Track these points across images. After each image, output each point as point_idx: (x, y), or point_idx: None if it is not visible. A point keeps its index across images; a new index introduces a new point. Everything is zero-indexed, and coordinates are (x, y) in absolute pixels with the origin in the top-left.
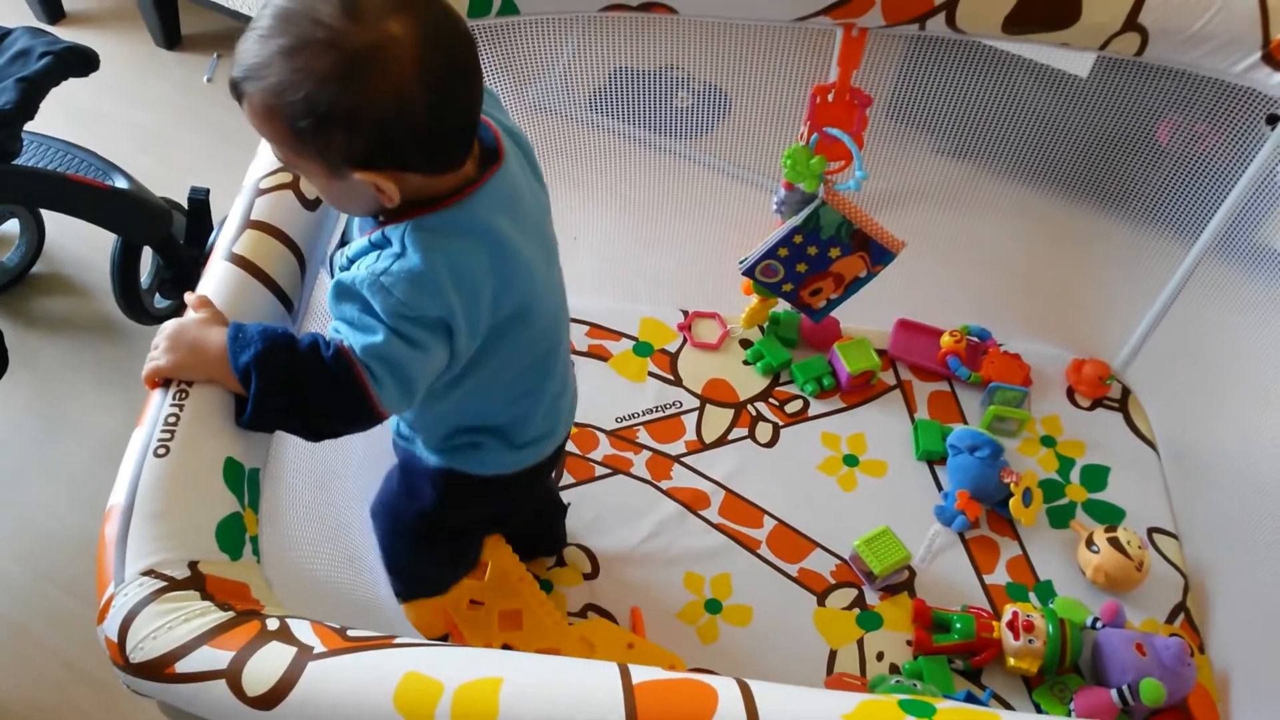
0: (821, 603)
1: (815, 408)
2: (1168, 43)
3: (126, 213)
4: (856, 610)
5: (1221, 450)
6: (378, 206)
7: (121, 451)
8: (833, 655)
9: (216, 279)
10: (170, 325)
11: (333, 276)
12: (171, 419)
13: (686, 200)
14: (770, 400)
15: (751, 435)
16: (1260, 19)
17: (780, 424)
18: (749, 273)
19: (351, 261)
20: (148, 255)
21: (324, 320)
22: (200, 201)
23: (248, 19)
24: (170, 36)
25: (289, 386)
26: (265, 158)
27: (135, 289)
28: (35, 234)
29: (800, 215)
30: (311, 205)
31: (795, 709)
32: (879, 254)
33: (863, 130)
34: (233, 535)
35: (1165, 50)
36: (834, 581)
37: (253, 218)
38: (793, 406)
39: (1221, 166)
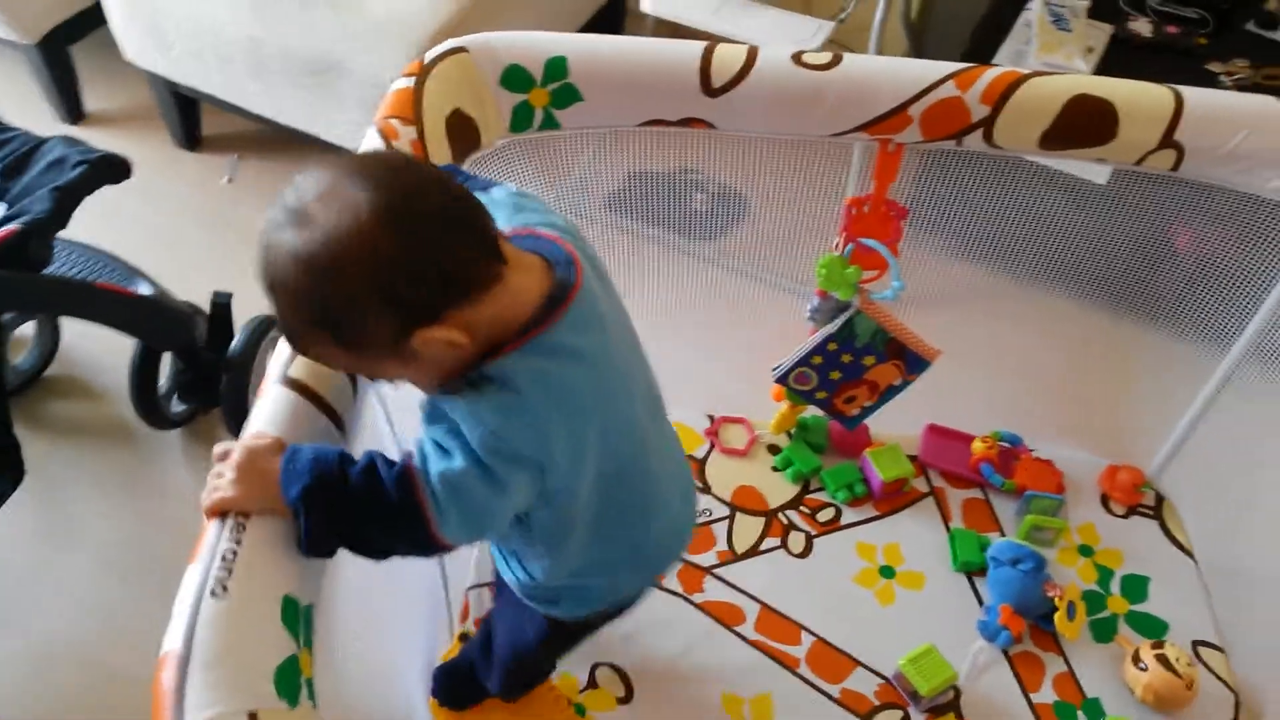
0: None
1: (847, 516)
2: (1203, 159)
3: (151, 319)
4: None
5: (1263, 560)
6: (461, 362)
7: (128, 561)
8: None
9: (272, 405)
10: (239, 453)
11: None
12: (229, 555)
13: (710, 305)
14: (802, 509)
15: (784, 545)
16: None
17: (814, 533)
18: (783, 380)
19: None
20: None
21: (372, 439)
22: (223, 306)
23: (266, 121)
24: (190, 137)
25: (342, 518)
26: None
27: (154, 394)
28: (50, 337)
29: (835, 324)
30: None
31: None
32: (914, 363)
33: (898, 241)
34: (290, 681)
35: (1200, 167)
36: (878, 703)
37: None
38: (825, 515)
39: (1250, 273)
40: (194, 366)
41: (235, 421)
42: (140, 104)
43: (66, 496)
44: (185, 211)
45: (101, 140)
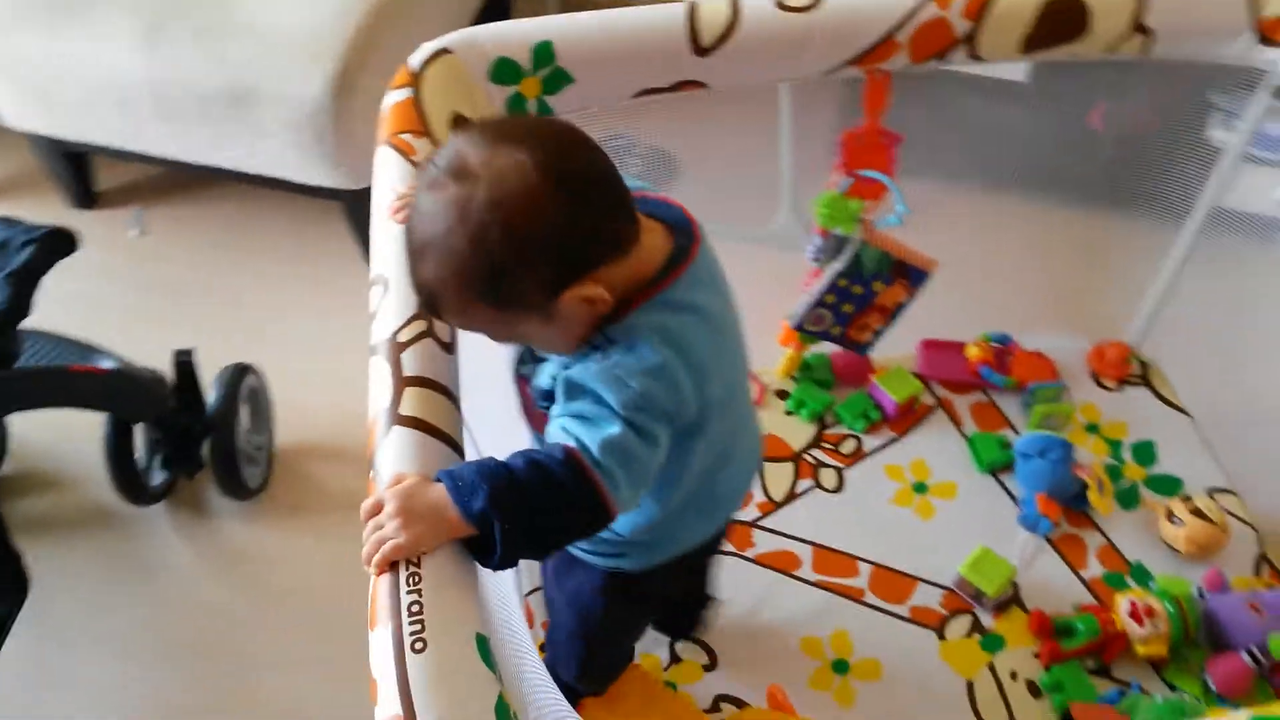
0: (941, 636)
1: (868, 443)
2: (1170, 39)
3: (126, 393)
4: (977, 636)
5: (1252, 401)
6: (595, 319)
7: (143, 648)
8: (970, 686)
9: (396, 446)
10: (394, 500)
11: (523, 384)
12: (415, 608)
13: None
14: (824, 445)
15: (818, 484)
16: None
17: (842, 467)
18: (799, 326)
19: (567, 367)
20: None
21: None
22: (187, 365)
23: (171, 164)
24: (85, 196)
25: (527, 518)
26: (389, 311)
27: (134, 470)
28: None
29: (842, 259)
30: (450, 348)
31: None
32: (917, 276)
33: (893, 167)
34: (505, 714)
35: (1168, 46)
36: (946, 612)
37: (406, 374)
38: (847, 446)
39: (1183, 144)
40: (170, 433)
41: (228, 482)
42: (23, 169)
43: (58, 596)
44: (98, 274)
45: None
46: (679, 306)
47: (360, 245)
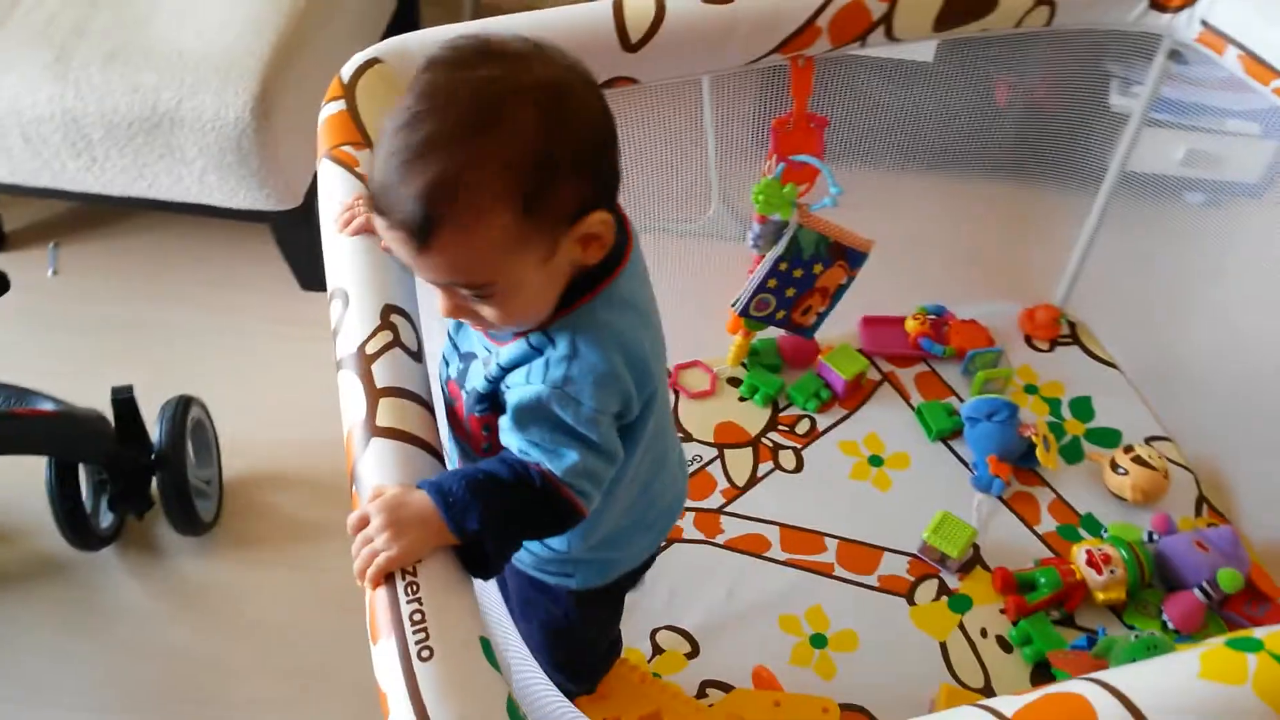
0: (911, 602)
1: (821, 421)
2: (1071, 9)
3: (72, 434)
4: (945, 598)
5: (1173, 351)
6: (566, 283)
7: (112, 697)
8: (943, 647)
9: (377, 458)
10: (380, 512)
11: (452, 388)
12: (417, 616)
13: None
14: (780, 428)
15: (778, 465)
16: None
17: (799, 447)
18: (744, 312)
19: (504, 370)
20: None
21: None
22: (128, 402)
23: (83, 197)
24: None
25: (515, 532)
26: (352, 323)
27: (82, 513)
28: None
29: (781, 244)
30: (418, 357)
31: (1150, 683)
32: (855, 258)
33: (822, 151)
34: (517, 715)
35: (1069, 16)
36: (913, 578)
37: (379, 385)
38: (802, 427)
39: (1085, 112)
40: (117, 472)
41: (181, 518)
42: None
43: (18, 653)
44: (15, 319)
45: None
46: (623, 304)
47: (291, 266)
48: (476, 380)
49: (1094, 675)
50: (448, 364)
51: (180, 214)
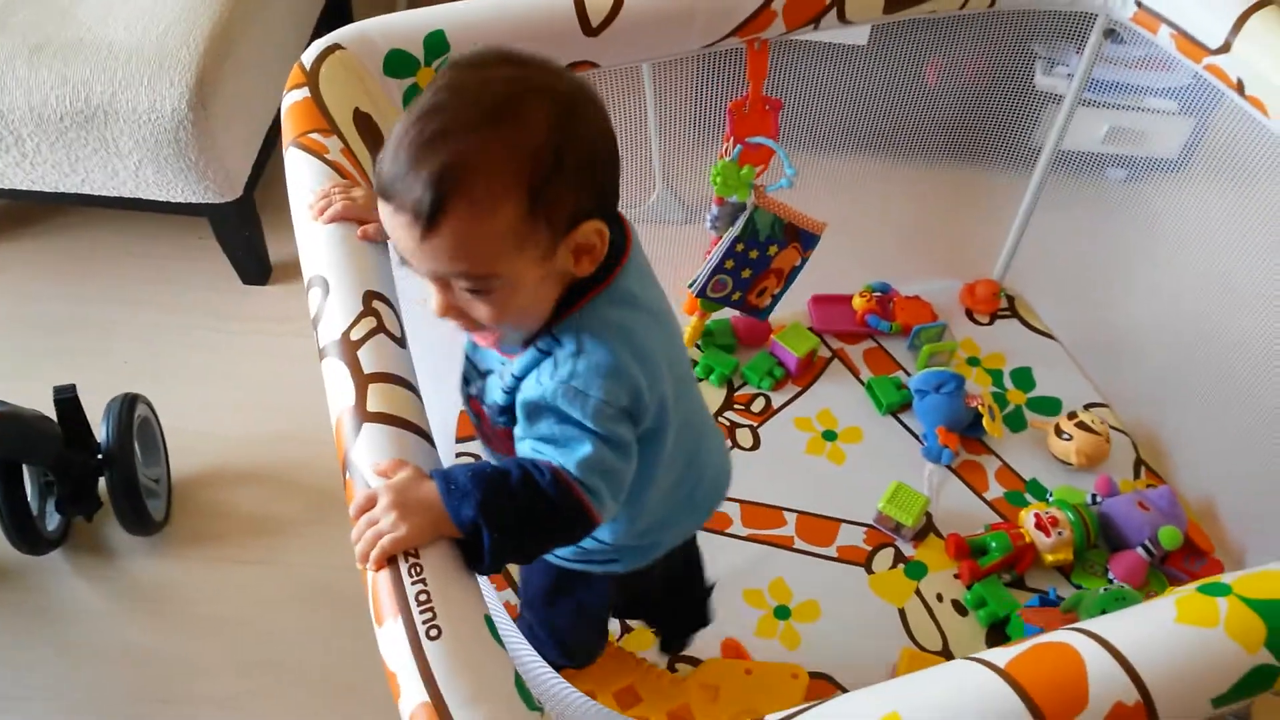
0: (869, 570)
1: (776, 400)
2: None
3: (19, 433)
4: (901, 566)
5: (1106, 320)
6: (560, 293)
7: (76, 706)
8: (902, 613)
9: (370, 442)
10: (387, 494)
11: (475, 405)
12: (423, 596)
13: None
14: (735, 406)
15: (735, 443)
16: None
17: (755, 425)
18: (701, 293)
19: (518, 379)
20: None
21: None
22: (71, 401)
23: (8, 193)
24: None
25: (515, 527)
26: (334, 311)
27: (28, 515)
28: None
29: (737, 225)
30: (402, 342)
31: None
32: (808, 240)
33: (777, 132)
34: (525, 692)
35: None
36: (870, 548)
37: (367, 371)
38: (757, 405)
39: (1013, 92)
40: (63, 473)
41: (132, 517)
42: None
43: None
44: None
45: None
46: (624, 301)
47: (230, 260)
48: (495, 394)
49: (1078, 625)
50: (468, 383)
51: (116, 209)
